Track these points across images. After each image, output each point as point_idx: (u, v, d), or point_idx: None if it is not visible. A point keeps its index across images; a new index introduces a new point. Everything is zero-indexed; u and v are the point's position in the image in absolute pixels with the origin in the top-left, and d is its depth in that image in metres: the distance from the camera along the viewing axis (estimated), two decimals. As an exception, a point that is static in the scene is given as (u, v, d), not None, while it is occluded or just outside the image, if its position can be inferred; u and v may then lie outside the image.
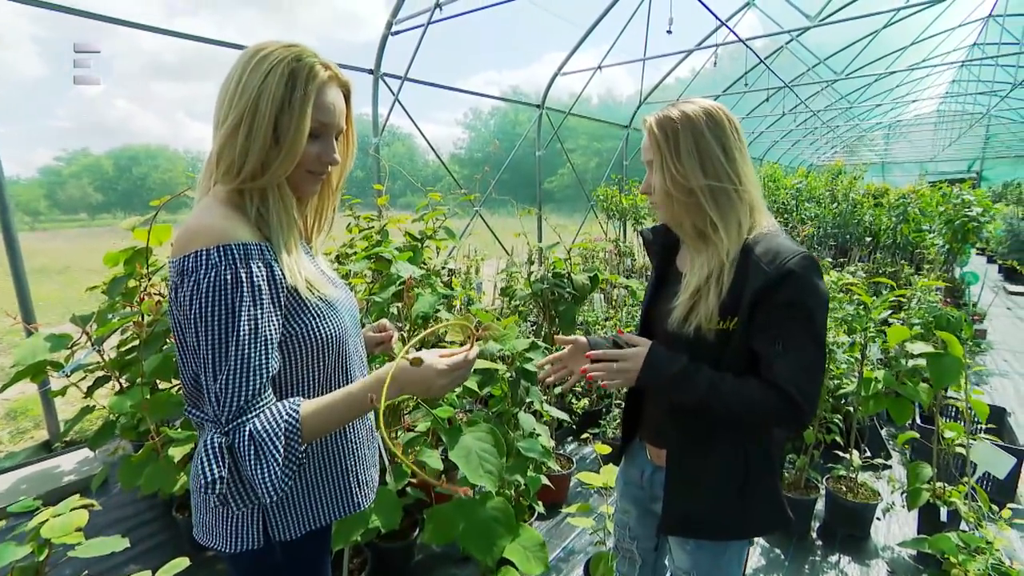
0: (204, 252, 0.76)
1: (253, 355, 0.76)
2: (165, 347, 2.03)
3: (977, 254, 10.92)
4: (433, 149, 5.78)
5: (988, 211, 5.33)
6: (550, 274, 2.58)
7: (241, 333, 0.75)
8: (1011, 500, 2.60)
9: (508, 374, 1.70)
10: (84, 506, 1.24)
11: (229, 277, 0.75)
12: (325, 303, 0.89)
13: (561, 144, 7.62)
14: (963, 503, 2.13)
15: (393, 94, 4.91)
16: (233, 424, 0.75)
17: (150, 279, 2.17)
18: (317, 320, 0.87)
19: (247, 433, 0.74)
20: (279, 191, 0.86)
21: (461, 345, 0.93)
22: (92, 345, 2.15)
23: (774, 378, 1.00)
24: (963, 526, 2.19)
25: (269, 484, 0.73)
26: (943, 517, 2.19)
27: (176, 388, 2.15)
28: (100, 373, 2.27)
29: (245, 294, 0.76)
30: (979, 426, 2.71)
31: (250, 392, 0.76)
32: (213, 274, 0.75)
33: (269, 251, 0.82)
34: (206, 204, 0.84)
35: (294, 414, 0.77)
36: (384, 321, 1.20)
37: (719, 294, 1.05)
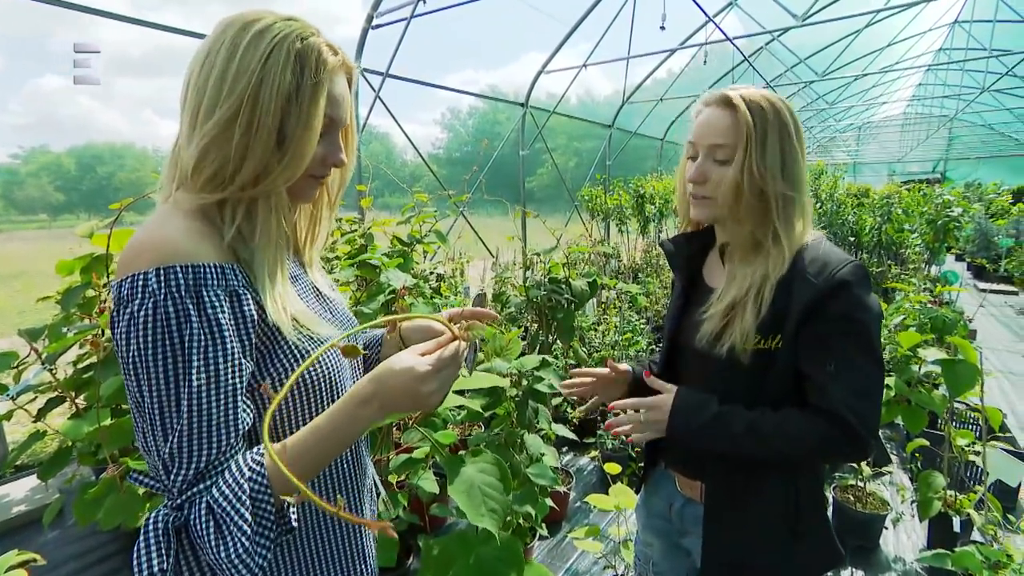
0: (141, 276, 0.58)
1: (214, 409, 0.59)
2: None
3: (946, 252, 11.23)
4: (415, 148, 5.60)
5: (967, 211, 5.41)
6: (547, 280, 2.45)
7: (194, 382, 0.58)
8: (1013, 505, 2.58)
9: (515, 393, 1.56)
10: (24, 563, 1.05)
11: (172, 310, 0.58)
12: (314, 341, 0.72)
13: (545, 143, 7.51)
14: (976, 513, 2.07)
15: (374, 91, 4.72)
16: (187, 495, 0.58)
17: (110, 290, 1.96)
18: (305, 360, 0.70)
19: (204, 506, 0.58)
20: (275, 203, 0.68)
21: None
22: (42, 363, 1.93)
23: (829, 404, 0.88)
24: (976, 535, 2.13)
25: (239, 562, 0.55)
26: (956, 527, 2.13)
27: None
28: (53, 394, 2.04)
29: (195, 332, 0.59)
30: (987, 431, 2.68)
31: (211, 454, 0.59)
32: (151, 305, 0.58)
33: (237, 274, 0.65)
34: (165, 212, 0.66)
35: (256, 467, 0.59)
36: None
37: (757, 311, 0.92)
